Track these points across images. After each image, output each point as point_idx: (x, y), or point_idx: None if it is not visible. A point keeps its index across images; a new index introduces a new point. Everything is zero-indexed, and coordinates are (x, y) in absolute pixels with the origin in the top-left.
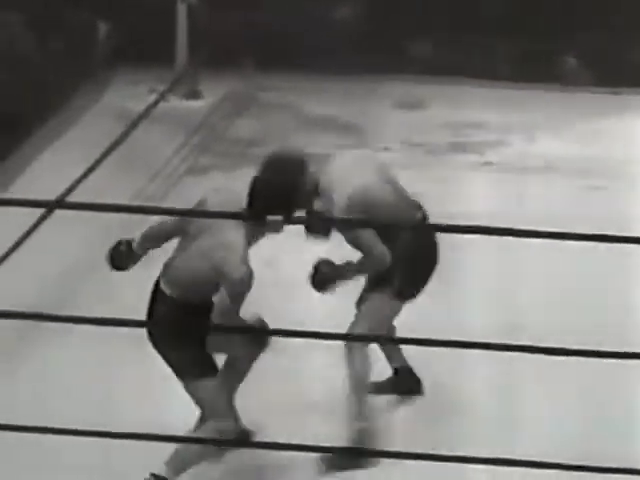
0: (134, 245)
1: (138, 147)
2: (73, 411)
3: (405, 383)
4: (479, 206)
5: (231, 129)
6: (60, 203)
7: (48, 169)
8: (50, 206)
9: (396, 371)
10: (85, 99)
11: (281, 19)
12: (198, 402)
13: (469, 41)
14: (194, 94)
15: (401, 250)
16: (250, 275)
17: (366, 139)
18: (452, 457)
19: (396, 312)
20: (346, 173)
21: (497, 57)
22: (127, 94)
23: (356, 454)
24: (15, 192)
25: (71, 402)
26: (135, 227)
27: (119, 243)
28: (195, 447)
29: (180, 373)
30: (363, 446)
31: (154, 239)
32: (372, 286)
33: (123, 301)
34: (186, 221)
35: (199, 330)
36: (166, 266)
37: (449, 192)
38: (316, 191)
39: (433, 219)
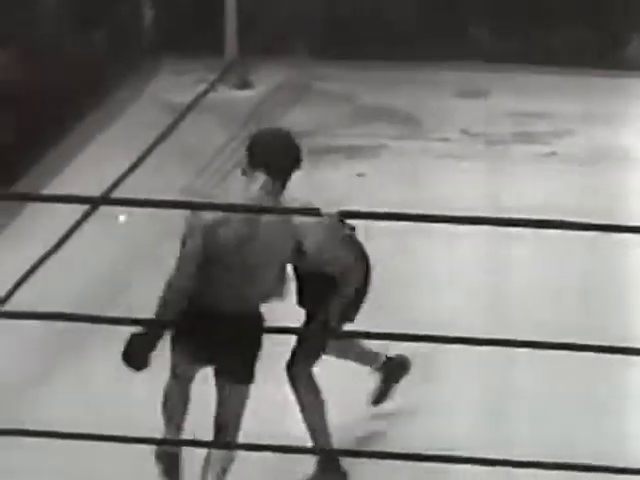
0: (159, 312)
1: (186, 139)
2: (117, 414)
3: (396, 371)
4: (541, 198)
5: (284, 120)
6: (105, 199)
7: (92, 163)
8: (95, 202)
9: (381, 370)
10: (130, 90)
11: (336, 5)
12: (232, 407)
13: (532, 27)
14: (244, 84)
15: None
16: None
17: (424, 129)
18: (443, 457)
19: None
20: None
21: (561, 43)
22: (173, 84)
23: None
24: (59, 187)
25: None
26: (182, 224)
27: (130, 342)
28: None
29: (235, 377)
30: None
31: (181, 297)
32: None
33: None
34: (208, 246)
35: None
36: (216, 286)
37: (510, 184)
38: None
39: (494, 212)
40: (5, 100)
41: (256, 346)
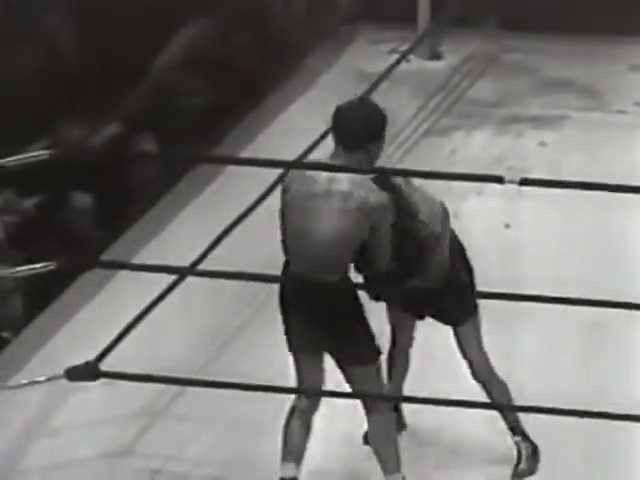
0: None
1: None
2: None
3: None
4: None
5: (471, 90)
6: (298, 163)
7: (286, 130)
8: (288, 166)
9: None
10: (325, 58)
11: None
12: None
13: None
14: (435, 55)
15: None
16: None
17: (601, 102)
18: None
19: None
20: None
21: None
22: (368, 54)
23: None
24: (252, 153)
25: None
26: None
27: None
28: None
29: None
30: None
31: None
32: None
33: None
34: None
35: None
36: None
37: None
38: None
39: None
40: (207, 67)
41: (356, 318)
